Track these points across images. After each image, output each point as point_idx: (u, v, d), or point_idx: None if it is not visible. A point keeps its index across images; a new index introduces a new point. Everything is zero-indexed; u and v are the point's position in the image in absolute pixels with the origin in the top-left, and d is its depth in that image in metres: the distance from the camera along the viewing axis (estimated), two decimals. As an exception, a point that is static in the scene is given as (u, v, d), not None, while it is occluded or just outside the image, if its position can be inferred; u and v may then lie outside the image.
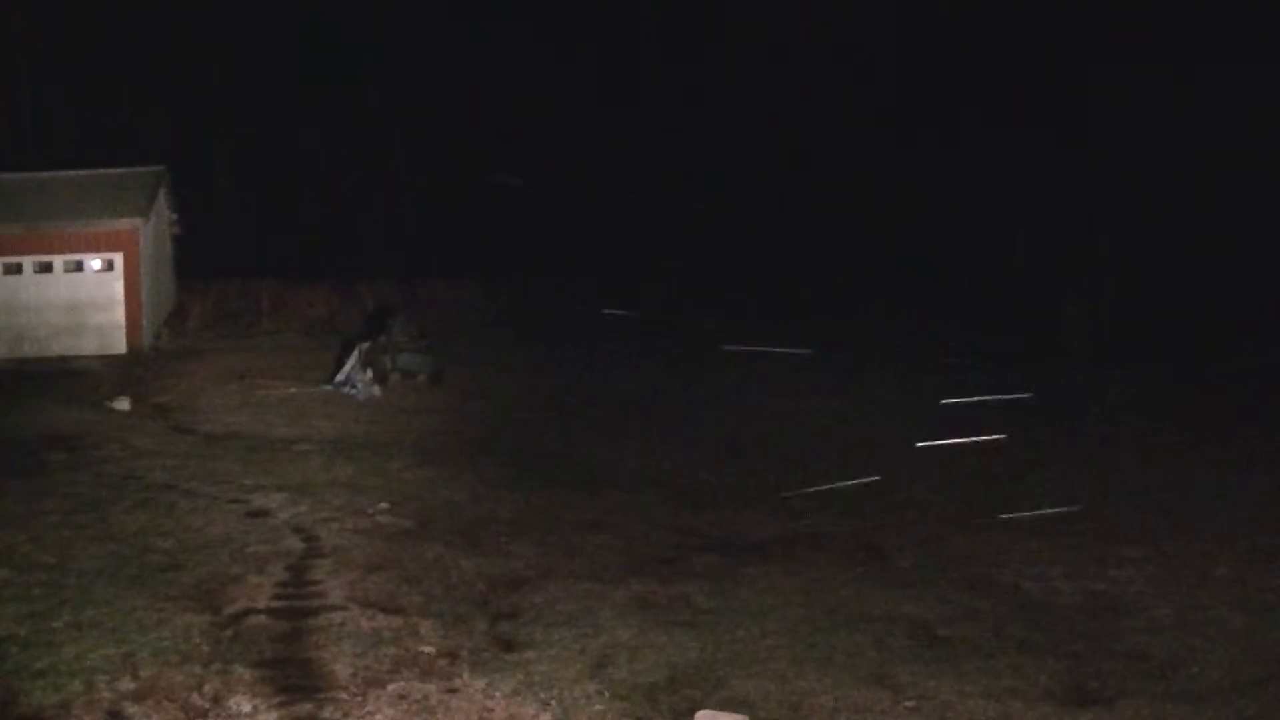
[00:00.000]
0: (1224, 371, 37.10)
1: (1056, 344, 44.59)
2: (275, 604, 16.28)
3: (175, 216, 51.56)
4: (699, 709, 13.11)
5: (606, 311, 47.17)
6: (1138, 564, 19.27)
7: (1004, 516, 22.69)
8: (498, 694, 13.52)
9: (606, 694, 13.62)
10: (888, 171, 60.72)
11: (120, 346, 44.23)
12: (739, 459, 28.79)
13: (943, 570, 19.03)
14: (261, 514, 21.59)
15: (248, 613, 15.91)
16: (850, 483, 25.70)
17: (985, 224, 58.48)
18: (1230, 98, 46.72)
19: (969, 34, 57.10)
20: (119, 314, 44.54)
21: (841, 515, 23.01)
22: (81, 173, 48.51)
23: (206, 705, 13.19)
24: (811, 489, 25.05)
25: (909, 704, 13.65)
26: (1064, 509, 23.11)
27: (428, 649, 14.77)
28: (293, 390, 37.26)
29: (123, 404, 34.52)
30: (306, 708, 13.09)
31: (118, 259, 44.66)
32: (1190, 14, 47.44)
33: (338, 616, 15.70)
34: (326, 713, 12.99)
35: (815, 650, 15.00)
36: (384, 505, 22.25)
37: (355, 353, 38.40)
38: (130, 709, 13.07)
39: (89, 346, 43.81)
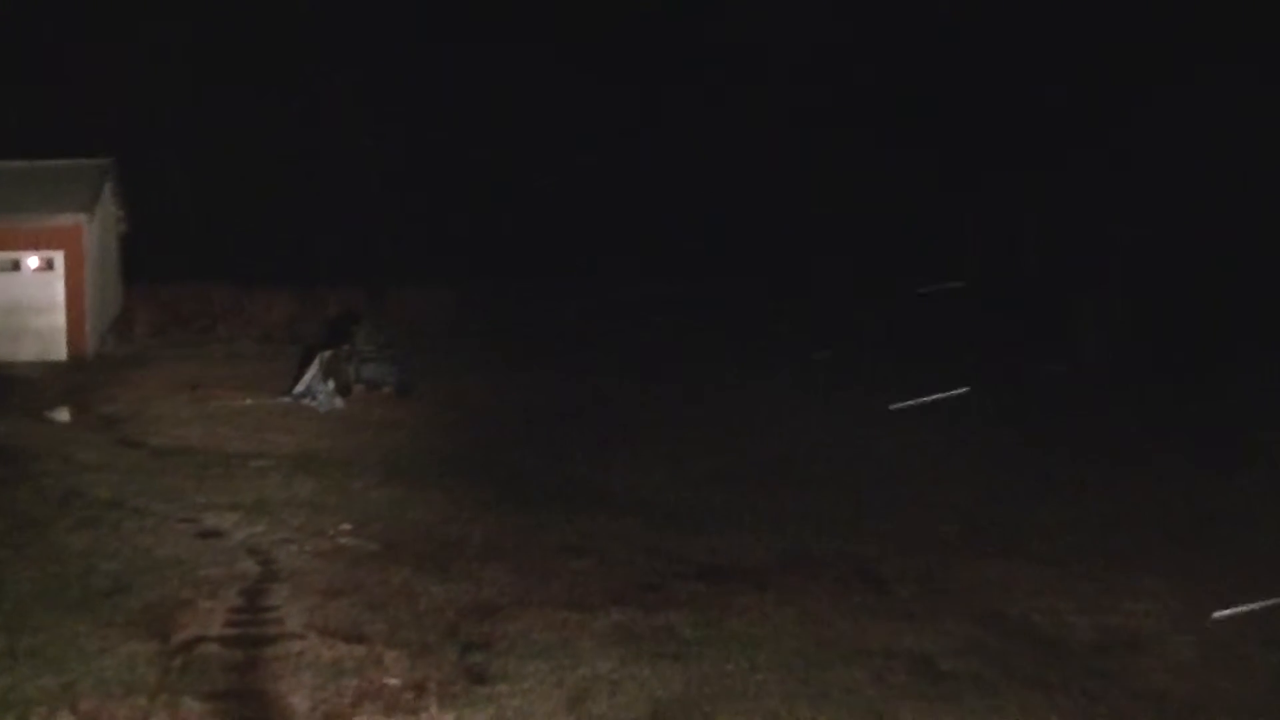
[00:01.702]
0: (1242, 387, 37.23)
1: (1065, 356, 44.75)
2: (228, 631, 16.32)
3: (123, 213, 51.39)
4: (684, 747, 13.18)
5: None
6: (1156, 596, 19.33)
7: (1011, 542, 22.80)
8: (467, 730, 13.59)
9: (585, 730, 13.68)
10: (894, 174, 61.04)
11: (61, 353, 44.09)
12: (728, 478, 28.82)
13: (946, 600, 19.07)
14: (214, 534, 21.63)
15: (198, 640, 15.94)
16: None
17: (993, 226, 58.77)
18: (1247, 104, 47.11)
19: (980, 40, 57.82)
20: (60, 317, 44.37)
21: (839, 541, 23.04)
22: (20, 163, 48.21)
23: (153, 740, 13.25)
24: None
25: (909, 743, 13.74)
26: (1075, 534, 23.22)
27: (393, 681, 14.81)
28: (249, 401, 37.25)
29: (62, 415, 34.45)
30: (262, 743, 13.15)
31: (59, 258, 44.50)
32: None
33: (296, 645, 15.74)
34: (283, 748, 13.05)
35: (809, 685, 15.05)
36: (347, 526, 22.30)
37: (316, 362, 38.38)
38: (70, 744, 13.13)
39: (27, 352, 43.62)
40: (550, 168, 67.00)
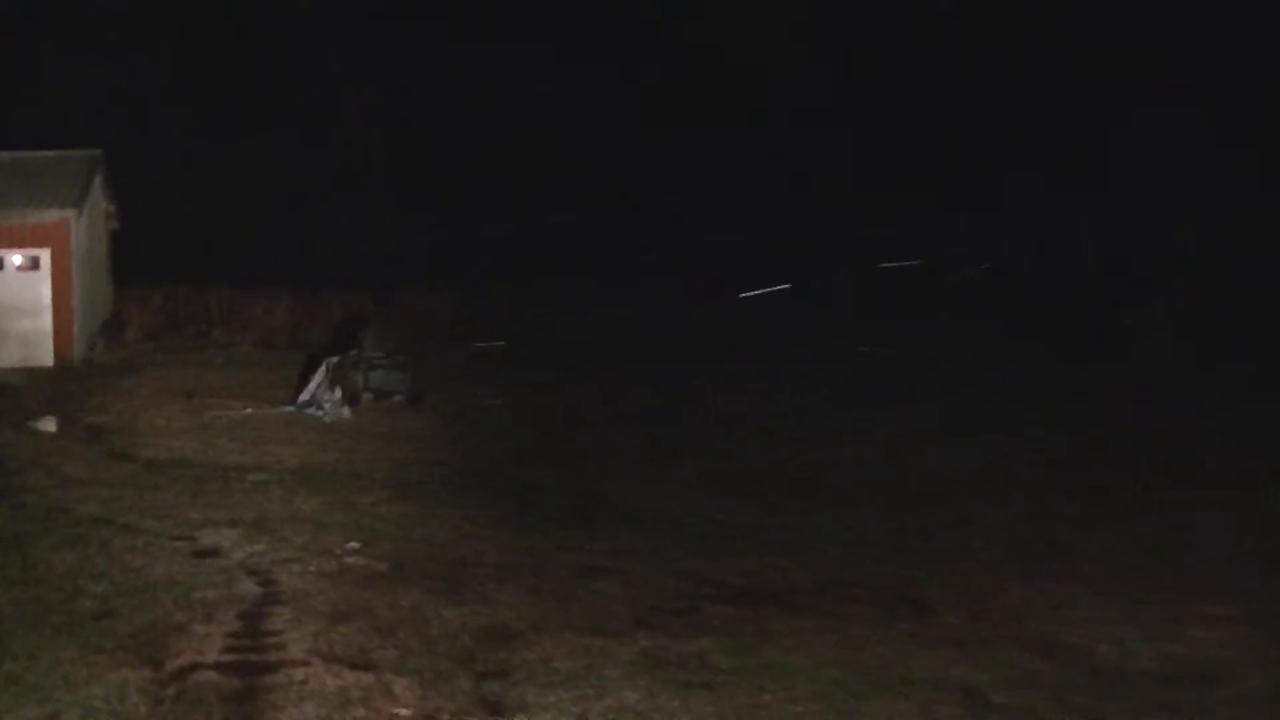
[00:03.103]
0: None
1: (1131, 363, 44.64)
2: (226, 658, 16.22)
3: (113, 208, 51.43)
4: (716, 784, 13.08)
5: None
6: (1228, 624, 19.18)
7: (1067, 564, 22.68)
8: (483, 764, 13.50)
9: (609, 766, 13.59)
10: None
11: (47, 358, 44.10)
12: (761, 494, 28.75)
13: (998, 627, 18.95)
14: (211, 553, 21.55)
15: (194, 668, 15.85)
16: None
17: (1048, 221, 59.04)
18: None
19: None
20: (46, 320, 44.36)
21: (880, 562, 22.94)
22: (2, 154, 48.27)
23: (144, 775, 13.18)
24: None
25: (960, 782, 13.64)
26: (1138, 556, 23.08)
27: (403, 711, 14.72)
28: (249, 411, 37.27)
29: (48, 425, 34.46)
30: (261, 778, 13.06)
31: (44, 256, 44.48)
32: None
33: (299, 673, 15.64)
34: (284, 784, 12.96)
35: (850, 718, 14.95)
36: (353, 544, 22.24)
37: (322, 369, 38.39)
38: (54, 779, 13.06)
39: (10, 358, 43.63)
40: (562, 171, 67.44)
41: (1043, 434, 35.44)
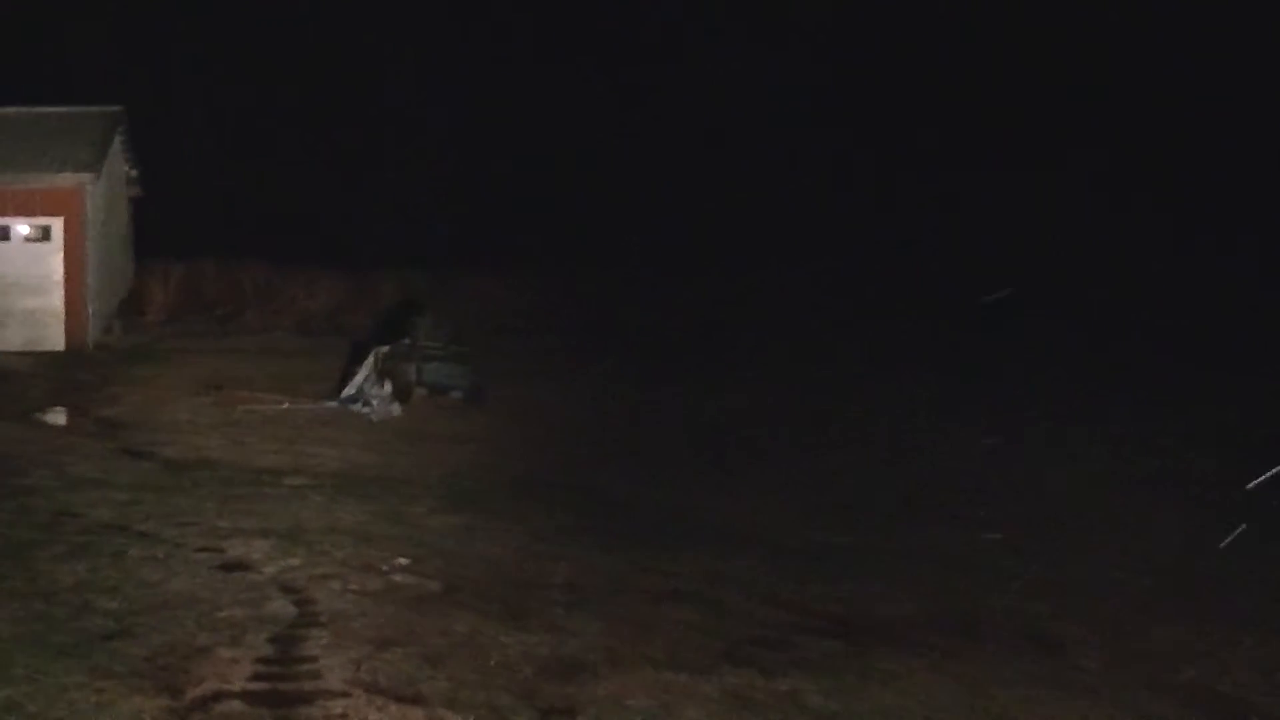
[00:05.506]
0: None
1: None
2: (254, 686, 16.18)
3: (134, 173, 51.58)
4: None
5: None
6: None
7: (1221, 602, 22.49)
8: (546, 816, 13.46)
9: (690, 821, 13.52)
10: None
11: (58, 341, 44.27)
12: (865, 510, 28.63)
13: (1140, 672, 18.80)
14: (239, 567, 21.55)
15: (218, 696, 15.83)
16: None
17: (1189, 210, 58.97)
18: None
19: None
20: (57, 298, 44.49)
21: (1003, 593, 22.78)
22: (11, 110, 48.39)
23: (160, 820, 13.16)
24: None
25: None
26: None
27: (454, 751, 14.70)
28: (285, 406, 37.36)
29: (57, 417, 34.62)
30: (294, 827, 13.04)
31: (56, 226, 44.59)
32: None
33: (337, 705, 15.62)
34: (320, 834, 12.94)
35: (969, 773, 14.86)
36: (401, 560, 22.23)
37: (369, 360, 38.41)
38: (59, 823, 13.06)
39: (16, 340, 43.82)
40: (627, 151, 67.78)
41: (1190, 448, 35.16)
